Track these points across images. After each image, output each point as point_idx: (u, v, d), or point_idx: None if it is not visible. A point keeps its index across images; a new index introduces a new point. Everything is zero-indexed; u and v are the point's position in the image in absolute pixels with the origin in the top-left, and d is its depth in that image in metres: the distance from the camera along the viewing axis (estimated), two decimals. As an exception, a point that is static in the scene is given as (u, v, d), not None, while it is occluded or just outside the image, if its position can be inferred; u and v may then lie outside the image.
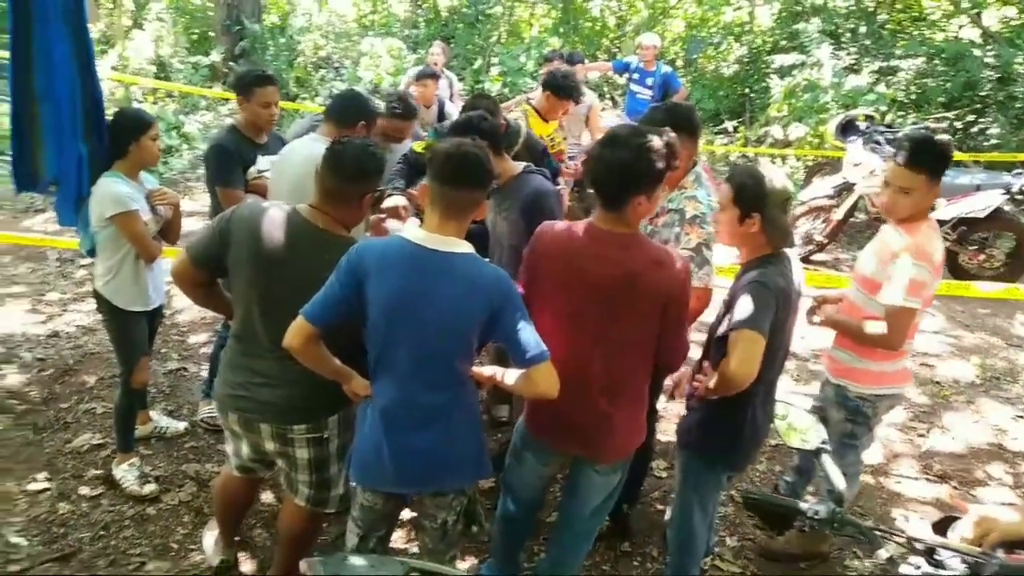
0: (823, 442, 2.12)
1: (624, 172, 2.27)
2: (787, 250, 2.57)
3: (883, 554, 1.87)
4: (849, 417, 3.07)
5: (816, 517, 1.95)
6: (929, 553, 1.82)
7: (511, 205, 3.26)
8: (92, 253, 3.39)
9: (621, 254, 2.34)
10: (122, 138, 3.27)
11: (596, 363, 2.40)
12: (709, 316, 2.91)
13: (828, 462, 2.06)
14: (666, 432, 4.35)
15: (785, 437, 2.20)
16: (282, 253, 2.45)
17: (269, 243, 2.45)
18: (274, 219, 2.47)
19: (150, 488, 3.55)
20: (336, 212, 2.49)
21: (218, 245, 2.51)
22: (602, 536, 3.47)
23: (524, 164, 3.33)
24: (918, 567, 1.80)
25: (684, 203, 2.92)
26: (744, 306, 2.37)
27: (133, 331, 3.46)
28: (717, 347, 2.56)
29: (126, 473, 3.57)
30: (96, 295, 3.43)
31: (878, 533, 1.91)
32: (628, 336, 2.41)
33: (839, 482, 2.04)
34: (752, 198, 2.45)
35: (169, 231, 3.53)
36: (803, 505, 2.00)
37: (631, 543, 3.51)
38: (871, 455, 4.06)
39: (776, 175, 2.50)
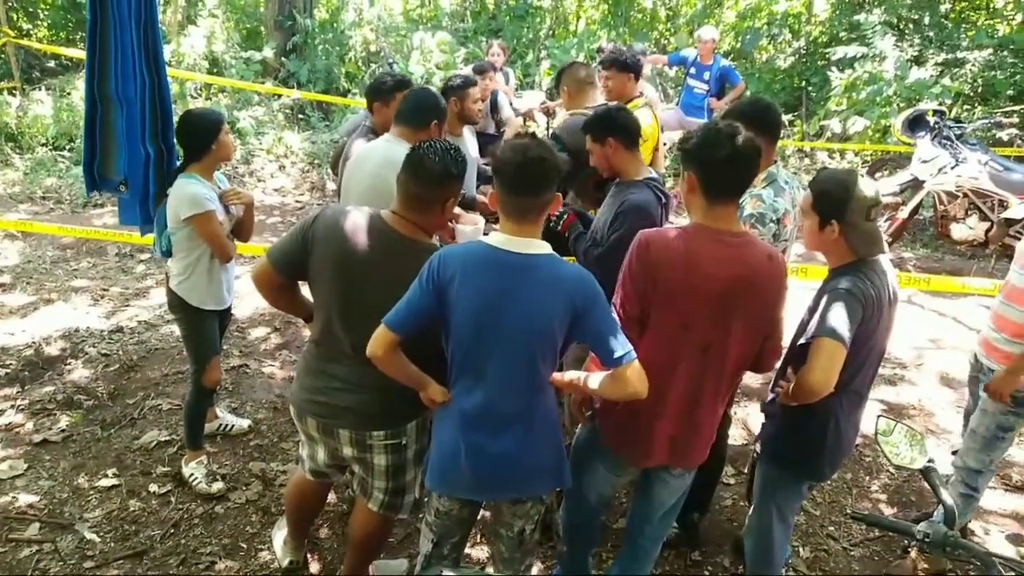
0: (929, 460, 2.01)
1: (753, 161, 2.27)
2: (880, 256, 2.47)
3: (1001, 582, 1.76)
4: (1012, 409, 3.04)
5: (927, 540, 1.85)
6: (1054, 583, 1.71)
7: (609, 208, 3.13)
8: (168, 254, 3.41)
9: (740, 253, 2.29)
10: (202, 139, 3.27)
11: (706, 374, 2.34)
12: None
13: (937, 481, 1.95)
14: (734, 438, 4.25)
15: (889, 455, 2.10)
16: (365, 260, 2.41)
17: (352, 250, 2.41)
18: (358, 225, 2.43)
19: (218, 486, 3.57)
20: (419, 218, 2.44)
21: (301, 250, 2.48)
22: (672, 545, 3.41)
23: (648, 174, 3.20)
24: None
25: (747, 200, 2.84)
26: (826, 314, 2.29)
27: (206, 330, 3.48)
28: (798, 354, 2.46)
29: (195, 471, 3.59)
30: (170, 293, 3.44)
31: (996, 559, 1.80)
32: (737, 340, 2.33)
33: (950, 502, 1.94)
34: (831, 205, 2.37)
35: (241, 230, 3.53)
36: (912, 527, 1.91)
37: (702, 552, 3.43)
38: (944, 464, 3.92)
39: (862, 182, 2.39)
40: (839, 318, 2.27)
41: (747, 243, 2.33)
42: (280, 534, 3.23)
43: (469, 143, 4.30)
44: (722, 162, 2.23)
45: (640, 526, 2.76)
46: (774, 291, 2.34)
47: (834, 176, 2.44)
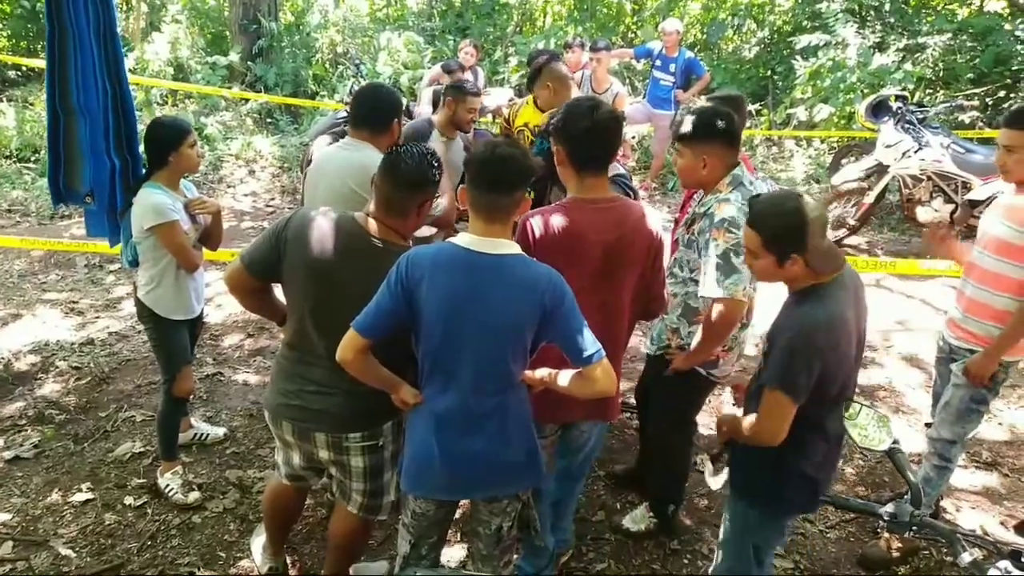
0: (895, 442, 2.05)
1: (614, 132, 2.51)
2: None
3: (966, 558, 1.80)
4: (986, 383, 3.08)
5: (893, 520, 1.89)
6: (1015, 556, 1.75)
7: None
8: (134, 264, 3.38)
9: (617, 216, 2.52)
10: (161, 149, 3.24)
11: (606, 328, 2.46)
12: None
13: (903, 461, 1.99)
14: (709, 426, 4.29)
15: (855, 437, 2.13)
16: (338, 263, 2.41)
17: (325, 252, 2.41)
18: (330, 227, 2.43)
19: (195, 496, 3.54)
20: (394, 222, 2.45)
21: (274, 252, 2.48)
22: (650, 535, 3.45)
23: (615, 171, 3.30)
24: (1006, 570, 1.74)
25: (715, 206, 2.74)
26: (781, 360, 2.12)
27: (175, 339, 3.45)
28: (755, 395, 2.30)
29: (170, 482, 3.56)
30: (138, 303, 3.41)
31: (960, 536, 1.84)
32: (622, 295, 2.56)
33: (916, 481, 1.98)
34: (790, 240, 2.11)
35: (209, 238, 3.51)
36: (878, 508, 1.94)
37: (680, 541, 3.46)
38: (913, 444, 4.00)
39: (805, 201, 2.15)
40: (794, 368, 2.09)
41: (622, 206, 2.58)
42: (258, 540, 3.21)
43: (460, 146, 4.30)
44: (583, 134, 2.45)
45: (571, 487, 3.00)
46: (653, 244, 2.57)
47: (781, 207, 2.14)
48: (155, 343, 3.50)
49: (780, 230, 2.11)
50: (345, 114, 4.91)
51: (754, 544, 2.46)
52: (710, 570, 2.66)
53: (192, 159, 3.32)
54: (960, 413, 3.16)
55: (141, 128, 3.39)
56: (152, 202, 3.18)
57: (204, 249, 3.53)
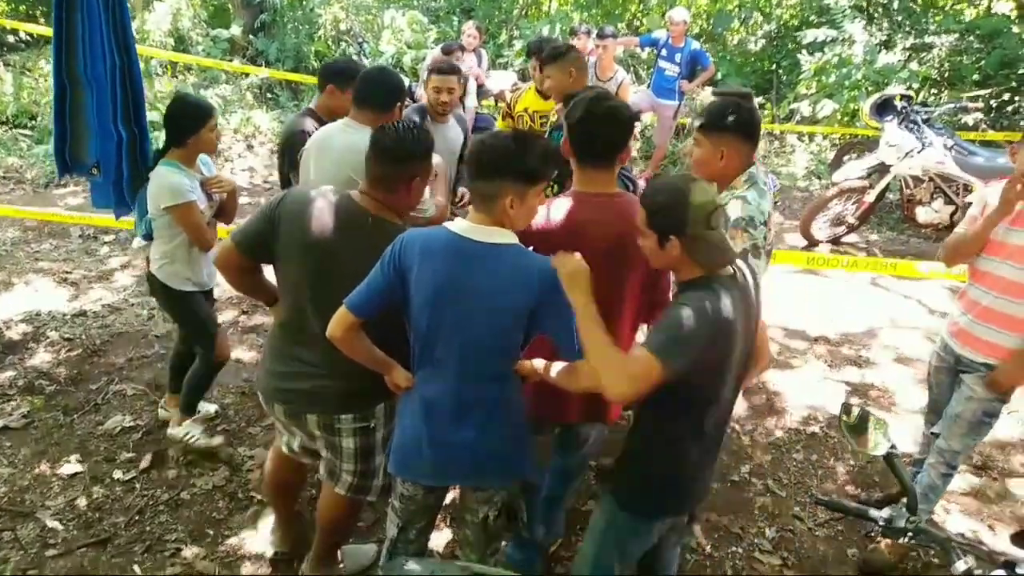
0: (892, 446, 2.03)
1: (622, 124, 2.45)
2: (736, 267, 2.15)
3: (960, 567, 1.78)
4: (999, 396, 3.06)
5: (890, 526, 1.88)
6: (1010, 566, 1.74)
7: None
8: (148, 237, 3.39)
9: (618, 213, 2.45)
10: (181, 130, 3.21)
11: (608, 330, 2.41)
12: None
13: (900, 467, 1.98)
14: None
15: (852, 441, 2.11)
16: (333, 240, 2.39)
17: (320, 229, 2.39)
18: (325, 205, 2.41)
19: (219, 440, 3.65)
20: (386, 198, 2.43)
21: (267, 231, 2.46)
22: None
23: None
24: (1000, 581, 1.73)
25: (731, 202, 2.63)
26: (664, 330, 1.99)
27: (199, 309, 3.48)
28: None
29: (190, 429, 3.61)
30: (150, 277, 3.42)
31: (955, 544, 1.83)
32: (624, 295, 2.50)
33: (913, 487, 1.97)
34: (667, 219, 2.03)
35: (223, 212, 3.52)
36: (874, 512, 1.93)
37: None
38: (907, 445, 4.00)
39: (697, 186, 2.05)
40: (676, 337, 1.96)
41: (626, 202, 2.50)
42: (265, 523, 3.22)
43: (453, 131, 4.24)
44: (578, 124, 2.42)
45: (567, 484, 3.01)
46: None
47: (665, 186, 2.10)
48: (181, 318, 3.54)
49: (660, 207, 2.06)
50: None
51: (623, 548, 2.36)
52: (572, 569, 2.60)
53: (211, 142, 3.30)
54: (972, 426, 3.13)
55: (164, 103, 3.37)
56: (169, 182, 3.17)
57: (219, 223, 3.55)
